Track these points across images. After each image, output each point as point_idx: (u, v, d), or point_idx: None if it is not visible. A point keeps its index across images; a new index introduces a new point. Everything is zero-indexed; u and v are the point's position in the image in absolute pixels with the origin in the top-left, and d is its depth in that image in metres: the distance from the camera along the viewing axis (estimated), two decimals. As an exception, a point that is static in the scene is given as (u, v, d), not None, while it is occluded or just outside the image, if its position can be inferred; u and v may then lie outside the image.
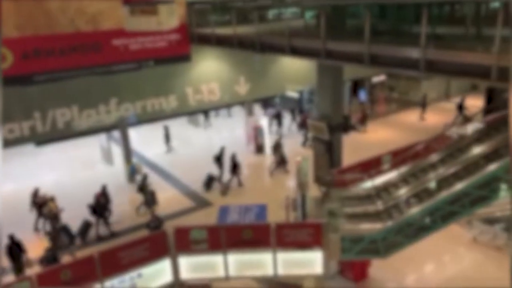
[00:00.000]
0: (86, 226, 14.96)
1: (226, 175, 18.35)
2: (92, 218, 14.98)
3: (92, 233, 15.00)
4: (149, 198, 15.41)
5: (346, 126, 16.36)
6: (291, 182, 17.75)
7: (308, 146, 20.91)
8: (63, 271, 9.01)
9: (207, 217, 15.21)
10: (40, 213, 15.22)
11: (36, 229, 15.44)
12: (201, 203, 17.29)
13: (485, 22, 9.83)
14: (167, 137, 22.48)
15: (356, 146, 21.45)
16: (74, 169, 20.89)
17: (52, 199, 15.08)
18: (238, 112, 27.36)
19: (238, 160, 18.11)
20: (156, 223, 14.89)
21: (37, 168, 21.38)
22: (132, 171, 19.16)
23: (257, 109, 25.32)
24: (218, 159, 18.45)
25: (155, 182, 18.58)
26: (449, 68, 8.10)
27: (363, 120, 24.12)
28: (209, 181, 18.06)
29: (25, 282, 8.63)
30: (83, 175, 20.10)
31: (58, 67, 15.07)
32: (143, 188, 15.89)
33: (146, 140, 23.21)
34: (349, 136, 22.56)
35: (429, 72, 8.43)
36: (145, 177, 16.49)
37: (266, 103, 27.38)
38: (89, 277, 9.19)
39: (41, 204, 15.22)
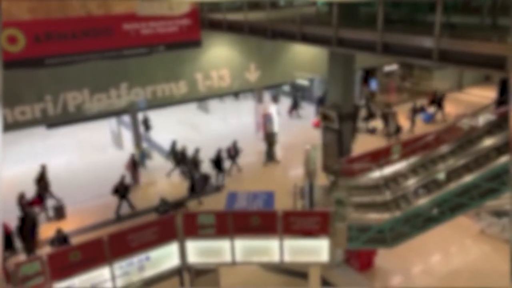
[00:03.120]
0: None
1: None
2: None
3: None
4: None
5: (355, 116, 16.26)
6: (299, 170, 17.77)
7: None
8: (72, 252, 9.15)
9: (215, 203, 15.31)
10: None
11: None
12: (209, 189, 17.39)
13: (501, 11, 9.65)
14: (147, 127, 22.46)
15: (365, 135, 21.38)
16: (84, 153, 21.10)
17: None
18: (248, 95, 27.21)
19: (238, 147, 18.12)
20: (165, 208, 15.03)
21: (48, 150, 21.62)
22: (142, 156, 19.30)
23: (267, 96, 25.29)
24: (216, 163, 17.27)
25: (166, 167, 18.71)
26: (463, 58, 7.98)
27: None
28: (192, 188, 17.44)
29: (36, 262, 8.79)
30: (93, 158, 20.30)
31: (70, 51, 15.14)
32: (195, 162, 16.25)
33: (155, 125, 23.29)
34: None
35: (442, 62, 8.32)
36: (197, 151, 16.84)
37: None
38: (98, 258, 9.33)
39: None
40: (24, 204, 14.39)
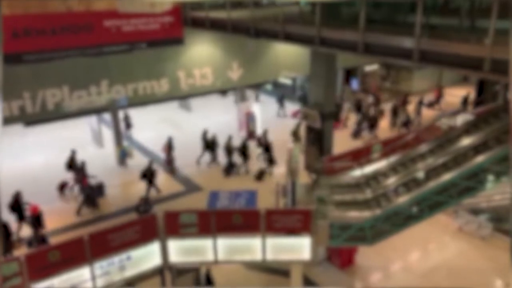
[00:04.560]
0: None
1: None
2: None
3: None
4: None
5: (337, 115, 16.45)
6: (281, 169, 17.84)
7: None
8: (51, 252, 9.00)
9: (197, 202, 15.25)
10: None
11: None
12: (191, 188, 17.32)
13: (479, 13, 9.87)
14: (128, 125, 22.31)
15: (338, 135, 21.59)
16: (63, 151, 20.71)
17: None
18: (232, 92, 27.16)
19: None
20: (145, 207, 14.91)
21: (26, 149, 21.19)
22: (122, 155, 19.08)
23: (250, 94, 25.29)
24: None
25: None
26: (442, 59, 8.14)
27: (373, 124, 21.63)
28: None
29: (13, 263, 8.61)
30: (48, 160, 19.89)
31: (49, 47, 14.84)
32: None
33: (136, 123, 23.04)
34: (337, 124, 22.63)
35: (422, 63, 8.47)
36: (230, 139, 18.01)
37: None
38: (78, 258, 9.20)
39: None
40: (20, 203, 13.95)
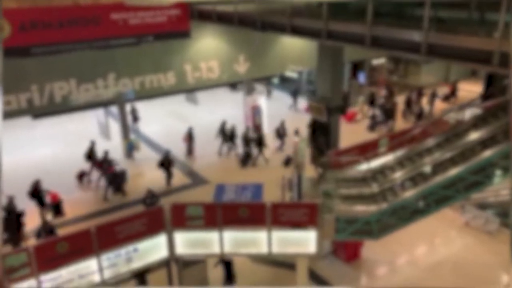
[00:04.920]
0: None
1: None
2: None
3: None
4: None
5: (344, 109, 16.40)
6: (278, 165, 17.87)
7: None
8: (59, 243, 9.09)
9: (203, 195, 15.31)
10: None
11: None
12: (198, 181, 17.39)
13: (489, 6, 9.74)
14: (135, 118, 22.42)
15: (353, 129, 21.55)
16: (71, 143, 20.88)
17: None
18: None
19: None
20: (152, 200, 14.98)
21: (33, 141, 21.35)
22: (129, 148, 19.17)
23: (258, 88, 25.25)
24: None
25: (152, 159, 18.61)
26: (450, 53, 8.07)
27: (390, 116, 21.88)
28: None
29: (22, 254, 8.72)
30: (80, 149, 20.06)
31: (56, 40, 14.89)
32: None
33: (143, 116, 23.11)
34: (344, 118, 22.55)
35: (430, 56, 8.40)
36: (248, 130, 18.54)
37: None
38: (86, 249, 9.29)
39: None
40: (39, 190, 14.58)
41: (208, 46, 19.05)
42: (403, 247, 13.11)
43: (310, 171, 13.38)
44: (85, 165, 17.50)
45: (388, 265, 12.70)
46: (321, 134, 14.64)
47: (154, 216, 10.05)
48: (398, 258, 12.88)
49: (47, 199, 14.66)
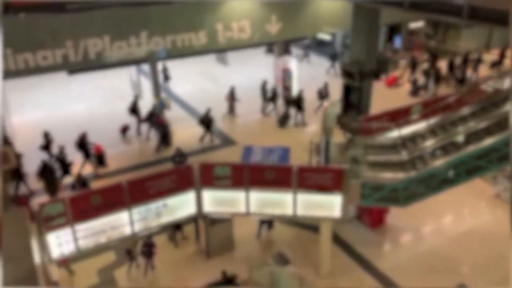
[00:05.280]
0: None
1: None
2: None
3: None
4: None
5: (378, 73, 15.87)
6: (315, 127, 17.76)
7: None
8: (93, 195, 9.50)
9: (231, 156, 15.50)
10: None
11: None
12: (226, 142, 17.58)
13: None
14: (166, 77, 22.54)
15: (394, 94, 21.08)
16: (104, 100, 21.34)
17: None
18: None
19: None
20: (180, 158, 15.27)
21: (69, 96, 21.91)
22: (160, 106, 19.41)
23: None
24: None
25: (183, 118, 18.87)
26: (494, 16, 7.66)
27: (435, 78, 21.49)
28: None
29: (59, 203, 9.17)
30: (113, 105, 20.57)
31: (90, -4, 14.95)
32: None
33: (174, 75, 23.22)
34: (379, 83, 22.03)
35: (472, 20, 8.01)
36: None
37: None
38: (118, 203, 9.68)
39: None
40: (85, 142, 15.44)
41: (240, 5, 18.68)
42: (430, 216, 13.03)
43: (338, 137, 13.27)
44: (125, 120, 18.25)
45: (414, 233, 12.70)
46: (353, 99, 14.37)
47: (184, 174, 10.32)
48: (424, 227, 12.85)
49: (92, 151, 15.52)
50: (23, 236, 7.22)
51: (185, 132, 17.79)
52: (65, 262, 10.82)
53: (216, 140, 17.73)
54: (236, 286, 10.11)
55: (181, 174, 10.33)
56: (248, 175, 10.19)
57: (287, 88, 21.10)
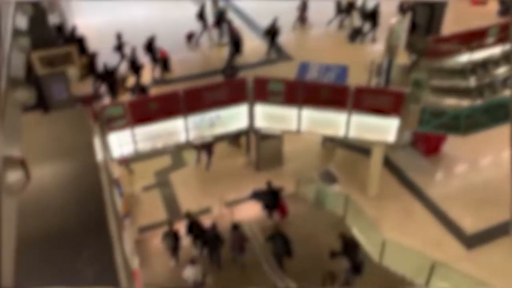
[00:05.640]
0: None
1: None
2: None
3: None
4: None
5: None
6: (379, 46, 16.76)
7: None
8: (151, 102, 9.81)
9: (287, 71, 15.15)
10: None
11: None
12: (282, 57, 17.13)
13: None
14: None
15: (481, 12, 19.14)
16: (163, 6, 21.10)
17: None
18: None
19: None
20: (231, 71, 15.14)
21: (129, 1, 21.82)
22: (218, 14, 18.95)
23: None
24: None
25: (241, 29, 18.35)
26: None
27: None
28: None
29: (119, 106, 9.59)
30: (172, 12, 20.38)
31: None
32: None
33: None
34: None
35: None
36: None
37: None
38: (173, 110, 9.95)
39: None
40: (153, 46, 15.53)
41: None
42: (490, 148, 12.39)
43: (403, 58, 12.48)
44: (192, 26, 18.04)
45: (469, 164, 12.25)
46: (423, 17, 13.26)
47: (238, 87, 10.32)
48: (481, 158, 12.32)
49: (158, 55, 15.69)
50: (86, 133, 7.64)
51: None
52: (125, 162, 11.58)
53: (272, 54, 17.28)
54: (280, 197, 10.34)
55: (235, 87, 10.33)
56: (302, 93, 10.00)
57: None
